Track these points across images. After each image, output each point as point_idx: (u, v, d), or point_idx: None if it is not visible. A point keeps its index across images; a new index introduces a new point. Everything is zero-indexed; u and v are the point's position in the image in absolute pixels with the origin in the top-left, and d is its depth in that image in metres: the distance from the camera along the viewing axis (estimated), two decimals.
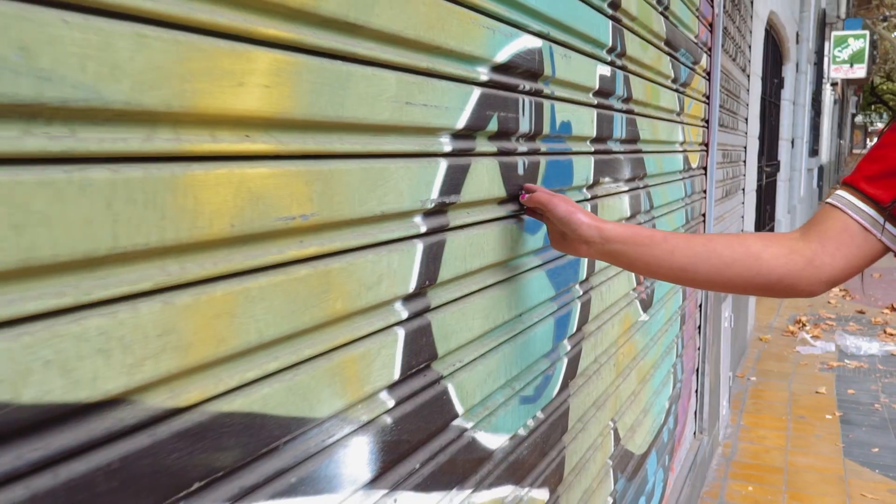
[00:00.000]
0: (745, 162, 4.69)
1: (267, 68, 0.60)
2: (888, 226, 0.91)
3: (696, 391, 3.08)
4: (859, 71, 18.15)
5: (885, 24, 31.16)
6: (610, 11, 1.50)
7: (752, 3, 4.64)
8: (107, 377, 0.49)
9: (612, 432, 1.75)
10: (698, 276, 0.96)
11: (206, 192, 0.55)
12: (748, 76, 4.63)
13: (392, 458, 0.82)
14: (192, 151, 0.54)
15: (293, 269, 0.65)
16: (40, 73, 0.43)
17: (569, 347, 1.40)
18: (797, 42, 8.60)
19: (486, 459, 1.07)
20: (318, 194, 0.67)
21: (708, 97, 2.87)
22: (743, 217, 4.72)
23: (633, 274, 1.85)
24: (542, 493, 1.30)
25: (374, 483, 0.79)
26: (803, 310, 6.52)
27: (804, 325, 5.92)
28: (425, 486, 0.90)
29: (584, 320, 1.48)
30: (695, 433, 3.11)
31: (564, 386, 1.39)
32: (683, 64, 2.32)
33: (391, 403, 0.82)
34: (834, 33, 18.15)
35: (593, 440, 1.60)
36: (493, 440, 1.09)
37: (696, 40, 2.53)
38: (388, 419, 0.81)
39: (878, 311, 6.42)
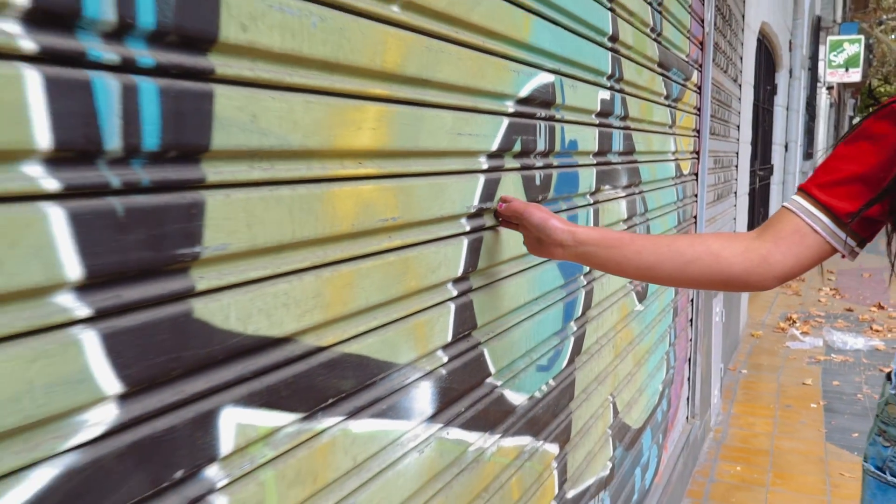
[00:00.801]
0: (737, 167, 4.95)
1: (373, 116, 0.87)
2: (836, 229, 1.01)
3: (689, 379, 3.34)
4: (854, 75, 18.37)
5: (882, 27, 31.41)
6: (609, 44, 1.77)
7: (743, 16, 4.91)
8: (287, 323, 0.75)
9: (611, 405, 2.02)
10: (663, 273, 1.05)
11: (339, 203, 0.82)
12: (740, 85, 4.89)
13: (445, 401, 1.09)
14: (331, 175, 0.81)
15: (385, 256, 0.92)
16: (261, 130, 0.70)
17: (575, 328, 1.67)
18: (790, 49, 8.88)
19: (510, 413, 1.34)
20: (401, 203, 0.94)
21: (699, 109, 3.14)
22: (735, 219, 4.98)
23: None
24: (554, 448, 1.57)
25: (433, 418, 1.06)
26: (794, 307, 6.79)
27: (794, 321, 6.19)
28: (468, 426, 1.17)
29: (587, 306, 1.75)
30: (687, 417, 3.38)
31: (571, 361, 1.66)
32: (675, 81, 2.59)
33: (445, 359, 1.09)
34: (829, 38, 18.40)
35: (595, 410, 1.87)
36: (515, 398, 1.35)
37: (687, 59, 2.80)
38: (443, 371, 1.08)
39: (865, 308, 6.70)
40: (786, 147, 9.55)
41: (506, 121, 1.23)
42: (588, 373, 1.79)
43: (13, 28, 0.49)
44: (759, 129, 7.17)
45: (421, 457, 1.03)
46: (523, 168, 1.32)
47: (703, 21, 3.12)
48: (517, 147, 1.28)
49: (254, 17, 0.68)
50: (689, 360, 3.32)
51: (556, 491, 1.61)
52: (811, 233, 1.02)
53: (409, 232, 0.97)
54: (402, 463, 0.98)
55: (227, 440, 0.69)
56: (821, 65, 15.83)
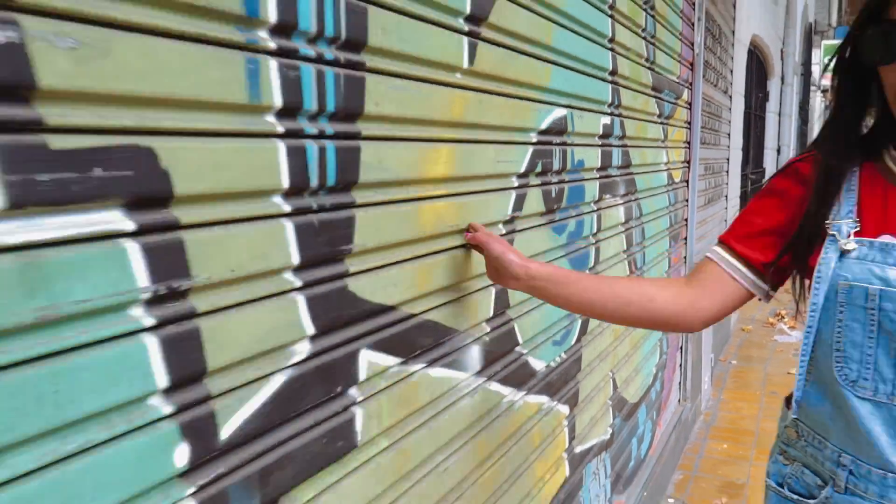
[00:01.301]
0: (727, 172, 5.32)
1: (445, 153, 1.24)
2: (754, 278, 1.14)
3: (681, 365, 3.72)
4: None
5: None
6: (610, 78, 2.14)
7: (733, 32, 5.28)
8: (394, 296, 1.12)
9: (611, 380, 2.38)
10: (604, 312, 1.15)
11: (424, 215, 1.19)
12: (730, 96, 5.27)
13: (487, 361, 1.46)
14: (421, 195, 1.18)
15: (454, 252, 1.29)
16: (383, 168, 1.06)
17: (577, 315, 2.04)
18: (782, 58, 9.26)
19: (532, 376, 1.71)
20: (461, 215, 1.31)
21: (689, 123, 3.51)
22: (726, 221, 5.35)
23: (626, 264, 2.48)
24: (565, 409, 1.94)
25: (479, 373, 1.43)
26: (783, 304, 7.17)
27: (783, 317, 6.57)
28: (503, 382, 1.53)
29: None
30: (679, 400, 3.75)
31: (579, 339, 2.03)
32: (667, 101, 2.96)
33: (488, 329, 1.45)
34: (824, 42, 18.74)
35: (598, 382, 2.23)
36: (536, 364, 1.72)
37: (678, 80, 3.17)
38: (486, 338, 1.45)
39: None
40: (778, 151, 9.93)
41: (531, 149, 1.60)
42: (592, 350, 2.15)
43: (273, 119, 0.86)
44: (752, 134, 7.55)
45: (471, 401, 1.40)
46: (543, 184, 1.69)
47: (692, 44, 3.49)
48: (538, 168, 1.64)
49: (382, 97, 1.05)
50: (681, 348, 3.69)
51: (567, 445, 1.98)
52: (732, 281, 1.14)
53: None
54: (459, 403, 1.35)
55: (362, 371, 1.05)
56: (815, 69, 16.19)
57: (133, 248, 0.69)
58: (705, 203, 4.25)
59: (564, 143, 1.81)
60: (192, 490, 0.78)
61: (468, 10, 1.27)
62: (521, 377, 1.63)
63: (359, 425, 1.05)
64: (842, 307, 1.04)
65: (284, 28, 0.86)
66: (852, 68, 1.07)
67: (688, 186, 3.58)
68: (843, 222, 1.06)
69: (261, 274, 0.86)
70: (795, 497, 1.16)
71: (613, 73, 2.16)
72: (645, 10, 2.49)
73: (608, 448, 2.39)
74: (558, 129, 1.75)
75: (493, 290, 1.46)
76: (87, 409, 0.65)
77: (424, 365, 1.22)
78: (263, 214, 0.86)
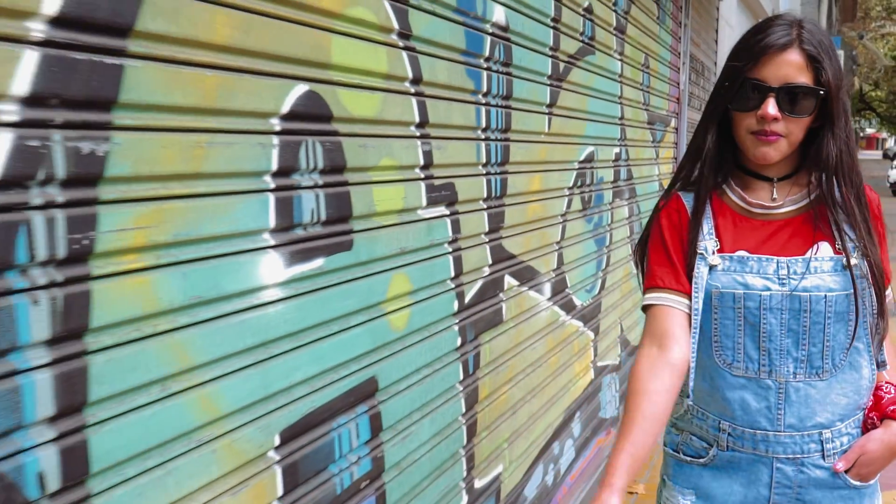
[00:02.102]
0: None
1: (538, 179, 2.36)
2: (688, 301, 1.33)
3: None
4: None
5: (870, 36, 32.81)
6: (619, 122, 3.27)
7: (715, 63, 6.41)
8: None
9: (619, 324, 3.51)
10: (659, 424, 1.25)
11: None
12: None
13: (554, 292, 2.58)
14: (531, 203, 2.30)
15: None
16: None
17: (601, 275, 3.16)
18: None
19: (574, 307, 2.82)
20: (546, 210, 2.43)
21: (676, 143, 4.64)
22: None
23: (629, 246, 3.60)
24: (591, 335, 3.06)
25: (549, 299, 2.55)
26: None
27: None
28: (561, 307, 2.65)
29: (606, 265, 3.24)
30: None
31: (600, 291, 3.15)
32: (658, 130, 4.09)
33: (553, 276, 2.58)
34: None
35: (611, 323, 3.36)
36: (577, 301, 2.84)
37: (667, 113, 4.30)
38: (554, 280, 2.57)
39: None
40: None
41: (574, 172, 2.72)
42: (608, 300, 3.28)
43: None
44: None
45: (546, 314, 2.51)
46: (581, 193, 2.81)
47: (678, 83, 4.62)
48: (578, 183, 2.76)
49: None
50: None
51: (592, 357, 3.10)
52: (680, 313, 1.32)
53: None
54: (540, 314, 2.46)
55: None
56: None
57: None
58: None
59: (592, 167, 2.93)
60: None
61: (548, 99, 2.39)
62: (568, 307, 2.75)
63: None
64: (716, 309, 1.35)
65: None
66: (716, 115, 1.36)
67: None
68: (706, 242, 1.35)
69: None
70: (689, 458, 1.43)
71: (622, 118, 3.29)
72: (642, 70, 3.62)
73: (617, 371, 3.51)
74: (589, 159, 2.87)
75: (555, 254, 2.58)
76: None
77: (533, 290, 2.34)
78: None
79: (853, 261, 1.34)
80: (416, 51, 1.60)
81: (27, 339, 0.85)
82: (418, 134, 1.63)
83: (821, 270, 1.33)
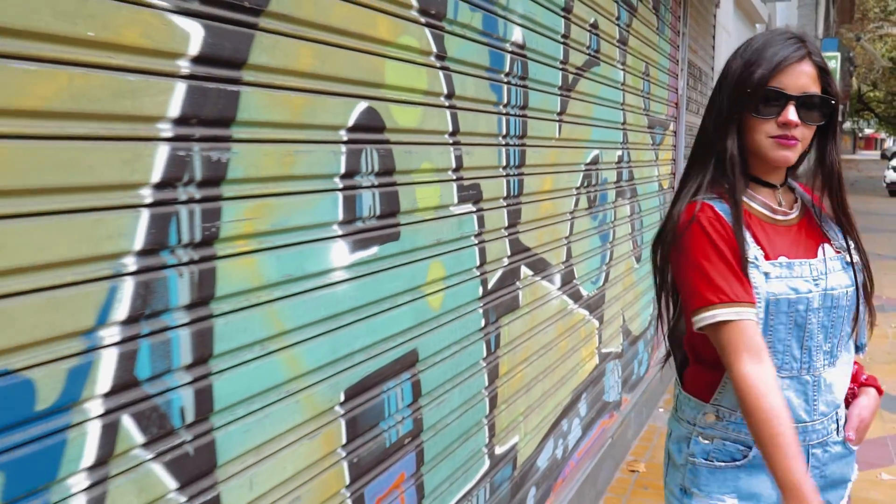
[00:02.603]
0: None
1: (562, 178, 2.62)
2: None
3: None
4: None
5: (868, 37, 33.02)
6: (622, 127, 3.53)
7: (713, 68, 6.67)
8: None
9: (622, 314, 3.77)
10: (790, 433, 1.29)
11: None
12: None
13: (564, 282, 2.84)
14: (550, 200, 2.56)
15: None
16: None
17: (605, 268, 3.42)
18: None
19: (581, 297, 3.08)
20: (556, 208, 2.69)
21: (675, 145, 4.90)
22: None
23: (630, 242, 3.86)
24: (596, 323, 3.32)
25: (559, 288, 2.81)
26: None
27: None
28: (569, 296, 2.91)
29: (609, 259, 3.50)
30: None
31: (604, 283, 3.41)
32: (657, 133, 4.35)
33: (562, 267, 2.84)
34: None
35: (614, 313, 3.62)
36: (583, 292, 3.10)
37: (666, 117, 4.56)
38: (563, 271, 2.83)
39: None
40: None
41: (581, 173, 2.97)
42: (611, 293, 3.54)
43: None
44: None
45: (557, 302, 2.77)
46: (588, 192, 3.07)
47: (677, 89, 4.88)
48: (585, 183, 3.02)
49: None
50: None
51: (597, 344, 3.36)
52: (757, 324, 1.35)
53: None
54: (552, 302, 2.72)
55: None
56: None
57: None
58: None
59: (597, 169, 3.19)
60: None
61: (558, 108, 2.65)
62: (576, 296, 3.01)
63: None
64: (771, 315, 1.39)
65: None
66: (735, 121, 1.41)
67: (673, 190, 4.97)
68: (753, 251, 1.40)
69: None
70: (723, 464, 1.46)
71: (624, 123, 3.55)
72: (643, 78, 3.88)
73: (620, 358, 3.77)
74: (594, 161, 3.13)
75: (564, 248, 2.84)
76: None
77: (546, 279, 2.60)
78: None
79: (852, 258, 1.48)
80: (449, 70, 1.86)
81: (175, 303, 1.11)
82: (451, 141, 1.89)
83: (836, 269, 1.45)
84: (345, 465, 1.54)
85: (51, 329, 0.93)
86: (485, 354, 2.18)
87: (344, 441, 1.54)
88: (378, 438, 1.66)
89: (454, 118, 1.89)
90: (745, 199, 1.44)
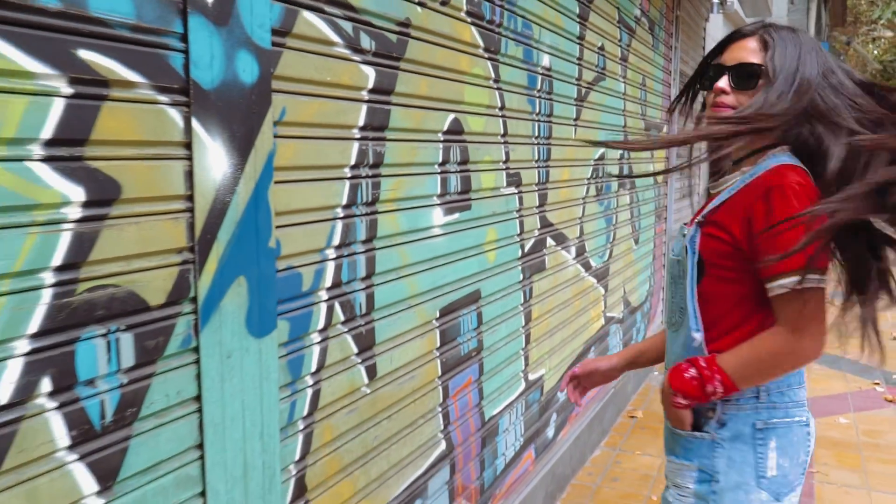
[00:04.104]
0: (700, 176, 7.44)
1: (577, 171, 3.34)
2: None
3: (662, 300, 5.82)
4: None
5: (860, 41, 33.74)
6: (623, 130, 4.25)
7: None
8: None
9: (622, 288, 4.49)
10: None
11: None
12: None
13: (577, 253, 3.56)
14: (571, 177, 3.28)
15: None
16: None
17: (609, 247, 4.14)
18: None
19: (591, 267, 3.80)
20: (570, 194, 3.41)
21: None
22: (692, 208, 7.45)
23: (629, 226, 4.58)
24: (602, 291, 4.05)
25: (574, 258, 3.54)
26: None
27: None
28: (582, 266, 3.64)
29: (614, 238, 4.22)
30: (661, 322, 5.86)
31: (608, 258, 4.13)
32: (653, 134, 5.07)
33: (576, 241, 3.56)
34: None
35: (617, 285, 4.34)
36: (592, 263, 3.83)
37: (660, 121, 5.28)
38: (578, 245, 3.55)
39: None
40: None
41: (591, 167, 3.70)
42: (614, 266, 4.26)
43: None
44: None
45: (572, 268, 3.49)
46: (596, 182, 3.78)
47: (669, 97, 5.61)
48: (594, 175, 3.74)
49: None
50: (663, 287, 5.81)
51: (603, 308, 4.08)
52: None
53: None
54: (569, 268, 3.44)
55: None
56: None
57: None
58: (680, 197, 6.37)
59: (603, 164, 3.91)
60: None
61: (574, 115, 3.37)
62: (587, 266, 3.73)
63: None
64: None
65: None
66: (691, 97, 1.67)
67: (667, 185, 5.70)
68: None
69: None
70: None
71: (624, 126, 4.28)
72: (640, 88, 4.61)
73: (621, 324, 4.50)
74: (601, 157, 3.85)
75: (578, 226, 3.56)
76: None
77: (563, 250, 3.32)
78: None
79: (690, 233, 1.51)
80: (502, 89, 2.58)
81: (359, 238, 1.82)
82: (502, 141, 2.61)
83: (678, 238, 1.59)
84: (438, 362, 2.26)
85: (308, 242, 1.64)
86: (522, 301, 2.90)
87: (438, 345, 2.25)
88: (456, 348, 2.38)
89: (504, 124, 2.62)
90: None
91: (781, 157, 1.44)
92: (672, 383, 1.48)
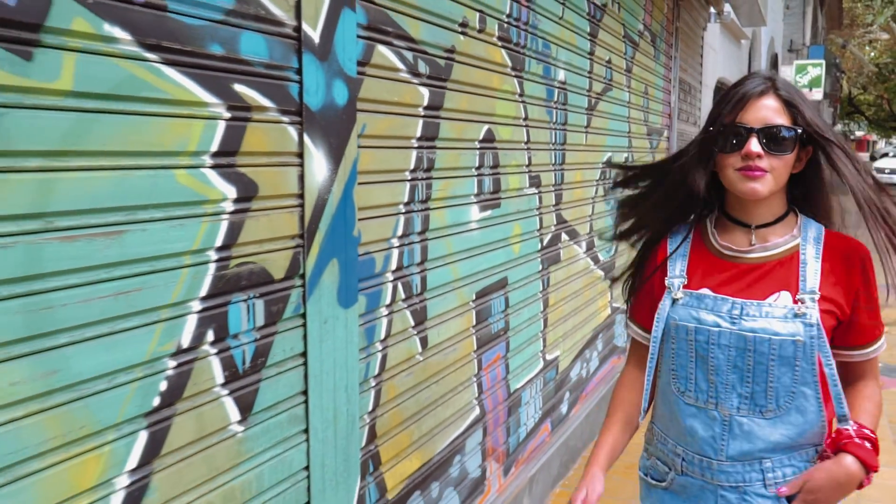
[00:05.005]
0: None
1: (583, 175, 3.71)
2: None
3: None
4: (817, 94, 21.14)
5: (856, 43, 34.13)
6: (627, 135, 4.62)
7: (700, 82, 7.78)
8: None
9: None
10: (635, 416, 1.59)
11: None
12: (699, 127, 7.76)
13: (587, 249, 3.93)
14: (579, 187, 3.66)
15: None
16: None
17: (614, 242, 4.52)
18: None
19: (599, 261, 4.18)
20: (581, 193, 3.78)
21: (668, 149, 6.00)
22: None
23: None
24: (606, 284, 4.42)
25: (583, 252, 3.91)
26: None
27: None
28: (592, 261, 4.01)
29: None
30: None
31: (614, 254, 4.50)
32: (654, 139, 5.45)
33: (587, 237, 3.94)
34: (796, 62, 21.21)
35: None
36: (600, 258, 4.20)
37: (661, 126, 5.66)
38: (587, 241, 3.93)
39: None
40: None
41: (599, 170, 4.07)
42: (619, 261, 4.63)
43: None
44: None
45: (583, 261, 3.86)
46: (603, 184, 4.15)
47: (669, 102, 5.99)
48: (602, 177, 4.11)
49: None
50: None
51: (609, 299, 4.45)
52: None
53: None
54: (581, 261, 3.81)
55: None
56: None
57: None
58: None
59: (610, 167, 4.28)
60: None
61: (585, 123, 3.75)
62: (595, 260, 4.10)
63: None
64: (673, 339, 1.48)
65: None
66: (703, 156, 1.44)
67: None
68: (675, 280, 1.50)
69: None
70: (654, 482, 1.58)
71: (629, 132, 4.65)
72: (642, 96, 4.99)
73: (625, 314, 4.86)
74: (608, 161, 4.22)
75: (588, 223, 3.93)
76: None
77: (574, 243, 3.69)
78: None
79: (806, 310, 1.39)
80: (525, 102, 2.95)
81: (417, 229, 2.20)
82: (525, 148, 2.98)
83: (771, 315, 1.40)
84: (474, 338, 2.63)
85: (380, 233, 2.01)
86: (541, 289, 3.27)
87: (474, 323, 2.63)
88: (488, 327, 2.75)
89: (528, 133, 2.99)
90: (707, 228, 1.54)
91: (811, 220, 1.51)
92: (873, 466, 1.37)
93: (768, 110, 1.39)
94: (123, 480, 1.31)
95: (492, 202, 2.70)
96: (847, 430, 1.39)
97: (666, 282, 1.51)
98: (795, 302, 1.41)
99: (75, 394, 1.21)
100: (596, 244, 4.09)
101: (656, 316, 1.51)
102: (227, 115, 1.47)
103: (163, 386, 1.37)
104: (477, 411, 2.69)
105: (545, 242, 3.29)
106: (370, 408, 2.03)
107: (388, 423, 2.12)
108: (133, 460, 1.32)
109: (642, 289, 1.64)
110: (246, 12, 1.50)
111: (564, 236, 3.55)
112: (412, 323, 2.21)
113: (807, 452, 1.44)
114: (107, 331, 1.25)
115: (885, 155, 26.76)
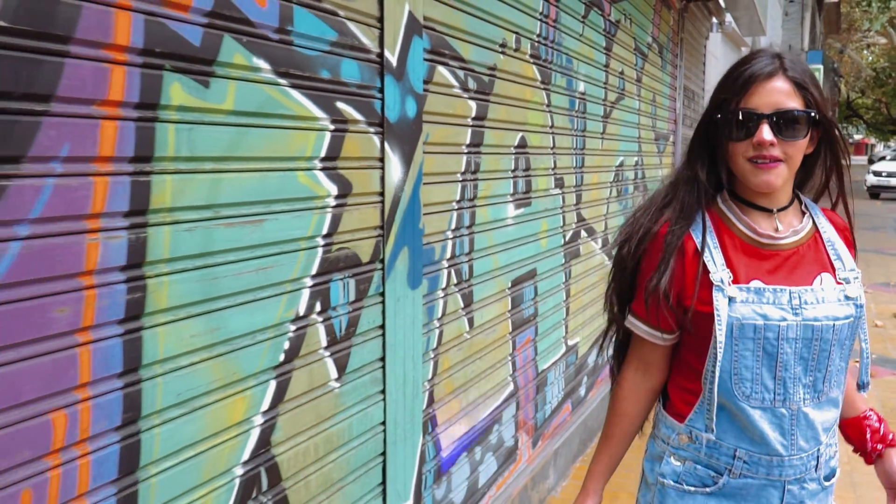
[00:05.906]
0: None
1: (602, 177, 4.06)
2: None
3: None
4: None
5: (855, 47, 34.46)
6: (637, 140, 4.96)
7: (703, 89, 8.12)
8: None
9: None
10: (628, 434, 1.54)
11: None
12: None
13: (590, 234, 4.27)
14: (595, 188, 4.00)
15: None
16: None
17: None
18: None
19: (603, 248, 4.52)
20: (600, 193, 4.12)
21: (674, 153, 6.34)
22: None
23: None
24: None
25: (589, 237, 4.24)
26: None
27: None
28: (599, 251, 4.35)
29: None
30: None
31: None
32: (661, 143, 5.79)
33: (594, 225, 4.27)
34: None
35: None
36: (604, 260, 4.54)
37: (667, 131, 6.00)
38: (594, 229, 4.26)
39: None
40: None
41: (614, 171, 4.41)
42: None
43: None
44: None
45: (599, 257, 4.20)
46: (617, 185, 4.49)
47: (675, 109, 6.33)
48: (616, 178, 4.45)
49: None
50: None
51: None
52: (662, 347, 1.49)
53: None
54: (596, 256, 4.15)
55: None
56: None
57: None
58: None
59: (622, 169, 4.62)
60: None
61: (601, 130, 4.08)
62: (610, 256, 4.43)
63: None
64: (736, 340, 1.35)
65: None
66: (706, 142, 1.41)
67: None
68: (722, 274, 1.36)
69: None
70: (693, 488, 1.44)
71: (638, 138, 4.99)
72: (651, 104, 5.33)
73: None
74: (620, 164, 4.56)
75: (603, 221, 4.26)
76: None
77: (580, 228, 4.02)
78: None
79: (854, 291, 1.39)
80: (552, 112, 3.29)
81: (466, 224, 2.53)
82: (551, 152, 3.32)
83: (827, 300, 1.37)
84: (509, 321, 2.97)
85: (438, 226, 2.35)
86: (564, 280, 3.61)
87: (509, 308, 2.96)
88: (520, 312, 3.08)
89: (553, 139, 3.33)
90: (732, 219, 1.42)
91: (805, 197, 1.53)
92: None
93: (779, 93, 1.30)
94: (259, 419, 1.64)
95: (524, 201, 3.04)
96: (876, 425, 1.55)
97: (712, 278, 1.36)
98: (839, 283, 1.39)
99: (230, 347, 1.54)
100: (611, 241, 4.42)
101: (716, 317, 1.34)
102: (332, 127, 1.81)
103: (286, 345, 1.71)
104: (511, 387, 3.03)
105: (567, 238, 3.62)
106: (429, 376, 2.36)
107: (443, 390, 2.46)
108: (265, 404, 1.66)
109: (660, 286, 1.40)
110: (345, 43, 1.84)
111: (583, 233, 3.89)
112: (462, 305, 2.55)
113: (835, 429, 1.48)
114: (251, 298, 1.59)
115: (883, 158, 27.11)
